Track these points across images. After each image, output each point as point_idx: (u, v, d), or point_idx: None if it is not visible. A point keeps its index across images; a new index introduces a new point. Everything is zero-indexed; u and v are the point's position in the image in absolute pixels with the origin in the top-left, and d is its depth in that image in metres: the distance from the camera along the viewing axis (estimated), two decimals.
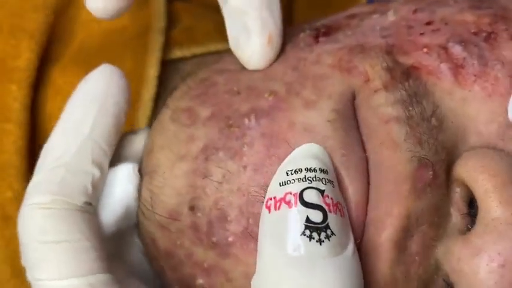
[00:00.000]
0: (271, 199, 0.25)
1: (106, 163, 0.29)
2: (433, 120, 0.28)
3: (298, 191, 0.24)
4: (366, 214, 0.27)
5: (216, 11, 0.33)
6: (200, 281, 0.29)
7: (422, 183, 0.27)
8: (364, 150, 0.27)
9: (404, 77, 0.28)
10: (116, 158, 0.31)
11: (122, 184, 0.30)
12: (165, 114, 0.31)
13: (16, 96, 0.35)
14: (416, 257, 0.27)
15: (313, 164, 0.25)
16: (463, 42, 0.29)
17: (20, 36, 0.36)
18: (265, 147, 0.28)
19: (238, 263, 0.28)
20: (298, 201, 0.24)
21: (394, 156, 0.27)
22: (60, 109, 0.34)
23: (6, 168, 0.34)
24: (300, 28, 0.33)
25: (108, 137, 0.29)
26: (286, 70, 0.29)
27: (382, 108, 0.28)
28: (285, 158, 0.27)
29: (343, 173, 0.26)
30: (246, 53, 0.30)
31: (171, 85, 0.36)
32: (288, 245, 0.24)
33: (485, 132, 0.28)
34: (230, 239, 0.28)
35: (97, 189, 0.29)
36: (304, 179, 0.25)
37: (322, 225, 0.24)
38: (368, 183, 0.27)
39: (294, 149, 0.27)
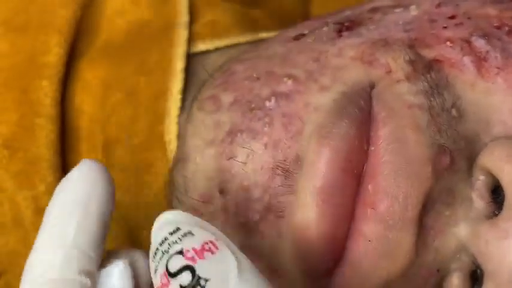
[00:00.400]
0: None
1: (95, 269, 0.26)
2: (453, 111, 0.29)
3: (164, 269, 0.24)
4: (358, 183, 0.28)
5: (235, 1, 0.34)
6: None
7: (441, 167, 0.28)
8: (368, 130, 0.28)
9: (426, 69, 0.29)
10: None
11: (117, 285, 0.27)
12: (194, 107, 0.32)
13: (47, 92, 0.35)
14: (432, 231, 0.28)
15: (162, 235, 0.24)
16: (486, 36, 0.30)
17: (49, 32, 0.36)
18: (283, 125, 0.29)
19: (264, 240, 0.29)
20: (168, 278, 0.23)
21: (417, 139, 0.28)
22: (87, 103, 0.37)
23: (39, 161, 0.34)
24: (323, 21, 0.33)
25: (94, 242, 0.26)
26: (308, 60, 0.30)
27: (405, 95, 0.28)
28: (300, 134, 0.28)
29: (324, 135, 0.27)
30: None
31: (195, 77, 0.37)
32: None
33: (510, 122, 0.29)
34: (256, 217, 0.29)
35: None
36: (162, 254, 0.24)
37: (193, 281, 0.23)
38: (365, 152, 0.28)
39: (304, 124, 0.28)
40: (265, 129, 0.29)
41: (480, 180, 0.29)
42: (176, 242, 0.24)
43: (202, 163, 0.30)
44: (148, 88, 0.36)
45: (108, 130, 0.36)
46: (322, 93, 0.29)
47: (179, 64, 0.37)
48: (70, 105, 0.36)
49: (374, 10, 0.33)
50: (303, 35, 0.33)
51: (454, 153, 0.28)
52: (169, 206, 0.33)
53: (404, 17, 0.32)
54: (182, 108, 0.35)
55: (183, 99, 0.36)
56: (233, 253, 0.23)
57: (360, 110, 0.28)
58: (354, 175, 0.28)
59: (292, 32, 0.34)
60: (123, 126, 0.35)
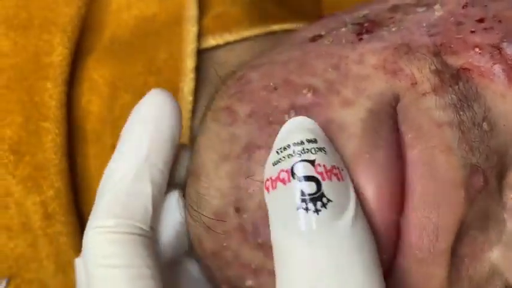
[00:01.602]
0: (268, 180, 0.25)
1: (164, 184, 0.30)
2: (485, 125, 0.27)
3: (289, 167, 0.25)
4: (400, 214, 0.26)
5: None
6: (249, 282, 0.28)
7: (474, 190, 0.26)
8: (401, 154, 0.27)
9: (454, 80, 0.27)
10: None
11: (172, 212, 0.30)
12: (208, 116, 0.31)
13: (52, 94, 0.34)
14: (466, 259, 0.27)
15: (299, 138, 0.25)
16: None
17: (52, 30, 0.35)
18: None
19: None
20: (290, 177, 0.24)
21: (448, 161, 0.26)
22: (95, 104, 0.36)
23: (46, 167, 0.34)
24: (340, 21, 0.32)
25: (164, 158, 0.29)
26: (327, 67, 0.28)
27: (433, 111, 0.27)
28: None
29: (363, 170, 0.26)
30: None
31: (206, 76, 0.36)
32: (289, 221, 0.24)
33: None
34: None
35: (157, 210, 0.29)
36: (293, 154, 0.25)
37: (317, 194, 0.24)
38: (402, 184, 0.26)
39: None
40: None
41: None
42: (311, 151, 0.25)
43: (216, 179, 0.29)
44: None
45: (117, 133, 0.33)
46: (346, 109, 0.27)
47: (189, 63, 0.36)
48: (76, 105, 0.36)
49: (394, 9, 0.31)
50: (320, 36, 0.31)
51: (487, 172, 0.26)
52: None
53: (428, 18, 0.30)
54: (194, 110, 0.35)
55: (195, 101, 0.35)
56: None
57: (392, 133, 0.27)
58: (397, 209, 0.26)
59: (308, 32, 0.32)
60: None
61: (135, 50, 0.36)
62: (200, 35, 0.37)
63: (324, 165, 0.25)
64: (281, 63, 0.30)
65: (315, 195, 0.24)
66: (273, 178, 0.25)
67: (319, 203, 0.24)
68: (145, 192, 0.29)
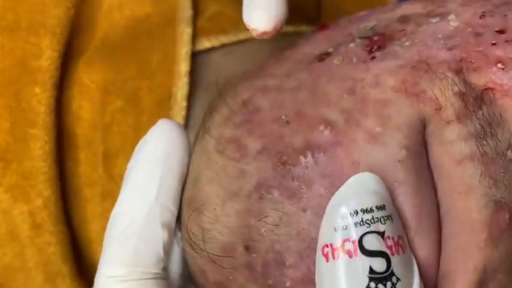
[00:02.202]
0: (327, 246, 0.24)
1: (174, 224, 0.29)
2: (509, 154, 0.26)
3: (357, 238, 0.23)
4: (438, 267, 0.25)
5: None
6: None
7: (498, 229, 0.25)
8: (435, 193, 0.26)
9: (478, 103, 0.26)
10: None
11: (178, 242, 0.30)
12: (209, 143, 0.29)
13: (40, 99, 0.33)
14: None
15: (370, 203, 0.24)
16: None
17: (40, 33, 0.34)
18: (327, 190, 0.26)
19: None
20: (358, 250, 0.23)
21: (467, 202, 0.25)
22: (86, 109, 0.34)
23: (34, 175, 0.33)
24: (347, 33, 0.30)
25: (174, 197, 0.28)
26: (342, 93, 0.27)
27: (454, 145, 0.25)
28: None
29: (415, 227, 0.25)
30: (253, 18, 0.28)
31: (201, 80, 0.35)
32: None
33: None
34: (288, 284, 0.26)
35: (168, 252, 0.29)
36: (362, 223, 0.23)
37: (387, 273, 0.23)
38: (440, 233, 0.26)
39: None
40: (303, 190, 0.26)
41: None
42: (380, 221, 0.23)
43: (223, 216, 0.27)
44: (150, 94, 0.34)
45: (109, 140, 0.34)
46: (374, 145, 0.25)
47: (183, 66, 0.34)
48: (66, 110, 0.34)
49: (405, 20, 0.29)
50: (328, 54, 0.29)
51: None
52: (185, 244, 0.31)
53: (443, 29, 0.28)
54: (188, 117, 0.34)
55: (188, 107, 0.34)
56: None
57: (427, 168, 0.26)
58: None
59: (313, 48, 0.30)
60: (126, 136, 0.34)
61: (128, 52, 0.35)
62: (195, 37, 0.35)
63: (392, 238, 0.23)
64: (291, 90, 0.28)
65: (384, 275, 0.23)
66: (334, 246, 0.23)
67: (389, 284, 0.23)
68: (157, 236, 0.28)
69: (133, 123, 0.34)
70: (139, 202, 0.28)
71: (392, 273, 0.22)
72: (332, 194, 0.25)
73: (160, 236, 0.28)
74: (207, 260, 0.28)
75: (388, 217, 0.23)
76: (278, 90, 0.28)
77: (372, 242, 0.23)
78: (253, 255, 0.26)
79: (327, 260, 0.23)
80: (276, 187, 0.26)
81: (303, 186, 0.26)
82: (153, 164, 0.28)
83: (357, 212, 0.23)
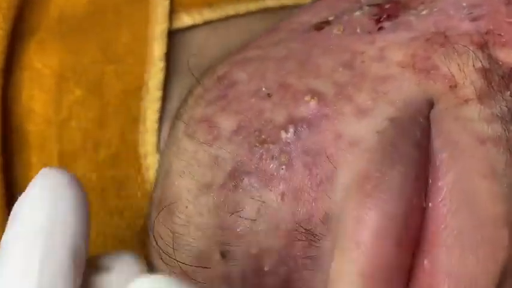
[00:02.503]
0: None
1: None
2: None
3: None
4: (414, 258, 0.24)
5: None
6: None
7: None
8: (427, 176, 0.24)
9: (505, 83, 0.24)
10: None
11: None
12: (179, 129, 0.28)
13: None
14: None
15: None
16: None
17: None
18: (307, 168, 0.25)
19: None
20: None
21: (490, 190, 0.23)
22: (38, 100, 0.31)
23: None
24: (354, 0, 0.28)
25: (65, 275, 0.22)
26: (336, 66, 0.26)
27: (475, 124, 0.24)
28: (330, 181, 0.24)
29: (368, 194, 0.23)
30: None
31: (179, 64, 0.32)
32: None
33: None
34: None
35: None
36: None
37: None
38: (421, 216, 0.23)
39: (335, 168, 0.24)
40: (282, 172, 0.25)
41: None
42: None
43: (196, 215, 0.26)
44: (116, 82, 0.31)
45: (66, 138, 0.31)
46: (361, 120, 0.24)
47: (158, 48, 0.31)
48: (15, 102, 0.31)
49: None
50: (328, 22, 0.27)
51: None
52: (148, 250, 0.29)
53: None
54: (162, 110, 0.31)
55: (164, 98, 0.31)
56: None
57: (417, 148, 0.24)
58: (410, 248, 0.23)
59: (312, 16, 0.28)
60: (87, 134, 0.31)
61: (89, 32, 0.32)
62: (172, 12, 0.32)
63: None
64: (277, 60, 0.27)
65: None
66: None
67: None
68: None
69: (95, 117, 0.31)
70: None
71: None
72: (312, 173, 0.24)
73: None
74: (178, 272, 0.26)
75: None
76: (261, 60, 0.27)
77: None
78: (231, 263, 0.25)
79: None
80: (253, 171, 0.25)
81: (282, 167, 0.25)
82: (31, 238, 0.21)
83: None
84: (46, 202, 0.22)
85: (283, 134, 0.25)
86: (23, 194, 0.22)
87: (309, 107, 0.25)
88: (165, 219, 0.27)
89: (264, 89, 0.26)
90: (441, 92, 0.25)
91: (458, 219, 0.23)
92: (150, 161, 0.30)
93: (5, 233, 0.22)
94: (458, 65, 0.25)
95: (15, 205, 0.22)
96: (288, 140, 0.25)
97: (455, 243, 0.23)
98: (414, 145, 0.24)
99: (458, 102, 0.24)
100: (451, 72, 0.25)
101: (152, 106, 0.31)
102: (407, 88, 0.25)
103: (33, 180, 0.22)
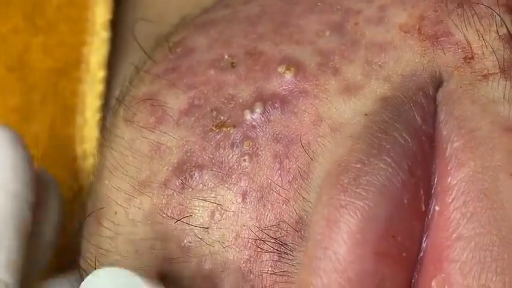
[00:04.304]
0: None
1: None
2: None
3: None
4: (419, 266, 0.21)
5: None
6: None
7: None
8: (427, 171, 0.21)
9: None
10: None
11: None
12: (118, 115, 0.24)
13: None
14: None
15: None
16: None
17: None
18: (276, 159, 0.22)
19: None
20: None
21: None
22: None
23: None
24: None
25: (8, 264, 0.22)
26: (323, 29, 0.23)
27: (498, 106, 0.21)
28: (305, 177, 0.22)
29: (344, 189, 0.20)
30: None
31: (128, 35, 0.28)
32: None
33: None
34: None
35: None
36: None
37: None
38: (423, 217, 0.21)
39: (312, 160, 0.22)
40: (244, 165, 0.22)
41: None
42: None
43: (126, 223, 0.23)
44: (45, 57, 0.28)
45: None
46: (348, 99, 0.22)
47: (100, 12, 0.28)
48: None
49: None
50: None
51: None
52: None
53: None
54: (107, 95, 0.28)
55: (109, 78, 0.28)
56: None
57: (415, 136, 0.21)
58: (403, 262, 0.21)
59: None
60: (7, 124, 0.26)
61: None
62: None
63: None
64: (246, 20, 0.24)
65: None
66: None
67: None
68: None
69: (17, 105, 0.28)
70: None
71: None
72: (285, 169, 0.22)
73: None
74: None
75: None
76: (227, 22, 0.24)
77: None
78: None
79: None
80: (206, 164, 0.22)
81: (244, 158, 0.22)
82: None
83: None
84: None
85: (247, 115, 0.22)
86: None
87: (284, 80, 0.22)
88: (91, 231, 0.24)
89: (227, 57, 0.23)
90: (453, 66, 0.22)
91: (476, 228, 0.20)
92: (91, 164, 0.27)
93: None
94: (478, 31, 0.22)
95: None
96: (254, 123, 0.22)
97: (473, 260, 0.20)
98: (411, 132, 0.21)
99: (475, 78, 0.22)
100: (467, 40, 0.22)
101: (93, 90, 0.28)
102: (408, 59, 0.22)
103: None
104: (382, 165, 0.21)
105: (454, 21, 0.22)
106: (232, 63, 0.23)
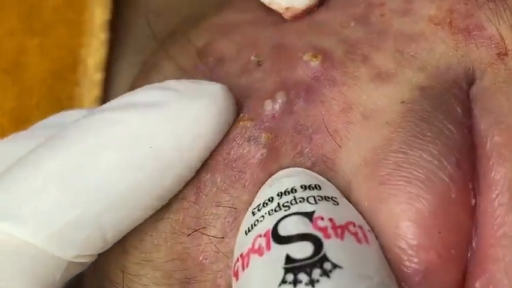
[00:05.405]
0: (238, 259, 0.20)
1: None
2: None
3: (271, 227, 0.19)
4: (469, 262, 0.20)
5: None
6: None
7: None
8: (473, 166, 0.20)
9: None
10: None
11: None
12: None
13: None
14: None
15: (289, 184, 0.20)
16: None
17: None
18: (300, 154, 0.21)
19: None
20: (271, 241, 0.19)
21: None
22: None
23: None
24: None
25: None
26: (347, 20, 0.22)
27: None
28: (329, 164, 0.21)
29: (389, 181, 0.19)
30: None
31: (130, 34, 0.28)
32: None
33: None
34: None
35: None
36: (278, 208, 0.20)
37: (314, 258, 0.19)
38: (469, 216, 0.19)
39: (340, 147, 0.20)
40: (261, 159, 0.21)
41: None
42: (309, 201, 0.20)
43: (154, 251, 0.22)
44: (42, 60, 0.27)
45: None
46: (380, 86, 0.21)
47: (99, 13, 0.27)
48: None
49: None
50: None
51: None
52: None
53: None
54: (106, 99, 0.27)
55: (107, 81, 0.27)
56: None
57: (458, 127, 0.20)
58: (450, 263, 0.19)
59: None
60: (1, 133, 0.27)
61: None
62: None
63: (330, 219, 0.19)
64: (271, 25, 0.23)
65: (310, 261, 0.19)
66: (244, 253, 0.19)
67: (316, 272, 0.19)
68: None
69: (14, 109, 0.27)
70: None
71: (325, 258, 0.19)
72: (305, 156, 0.21)
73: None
74: None
75: (326, 198, 0.20)
76: (251, 26, 0.24)
77: (290, 225, 0.19)
78: None
79: (237, 278, 0.19)
80: (219, 165, 0.21)
81: (262, 152, 0.21)
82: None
83: (272, 199, 0.20)
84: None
85: (268, 106, 0.21)
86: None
87: (309, 68, 0.21)
88: (117, 258, 0.22)
89: (253, 57, 0.22)
90: (486, 62, 0.21)
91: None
92: None
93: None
94: (511, 26, 0.21)
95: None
96: (275, 113, 0.21)
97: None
98: (455, 123, 0.20)
99: (509, 76, 0.21)
100: (500, 35, 0.21)
101: (91, 93, 0.27)
102: (442, 52, 0.21)
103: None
104: (427, 157, 0.19)
105: (485, 14, 0.21)
106: (259, 61, 0.22)
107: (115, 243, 0.21)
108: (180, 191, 0.21)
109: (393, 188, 0.19)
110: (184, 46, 0.24)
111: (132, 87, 0.23)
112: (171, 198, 0.21)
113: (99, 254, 0.21)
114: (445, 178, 0.19)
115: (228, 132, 0.21)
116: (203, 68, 0.23)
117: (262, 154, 0.20)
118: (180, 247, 0.21)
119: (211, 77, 0.23)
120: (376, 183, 0.19)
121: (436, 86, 0.21)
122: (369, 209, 0.20)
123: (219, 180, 0.21)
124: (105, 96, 0.27)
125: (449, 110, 0.20)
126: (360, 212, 0.20)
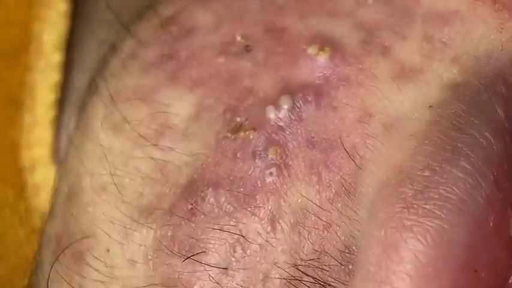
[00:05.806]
0: None
1: None
2: None
3: None
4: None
5: None
6: None
7: None
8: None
9: None
10: None
11: None
12: (95, 114, 0.21)
13: None
14: None
15: None
16: None
17: None
18: (312, 170, 0.19)
19: None
20: None
21: None
22: None
23: None
24: None
25: None
26: None
27: None
28: (348, 189, 0.19)
29: (412, 204, 0.17)
30: None
31: (93, 5, 0.26)
32: None
33: None
34: None
35: None
36: None
37: None
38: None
39: (360, 169, 0.19)
40: (271, 179, 0.19)
41: None
42: None
43: (125, 265, 0.20)
44: None
45: None
46: (403, 87, 0.19)
47: None
48: None
49: None
50: None
51: None
52: None
53: None
54: (65, 85, 0.24)
55: (68, 64, 0.24)
56: None
57: (498, 136, 0.18)
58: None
59: None
60: None
61: None
62: None
63: None
64: None
65: None
66: None
67: None
68: None
69: None
70: None
71: None
72: (322, 183, 0.19)
73: None
74: None
75: None
76: None
77: None
78: None
79: None
80: (222, 182, 0.19)
81: (271, 170, 0.19)
82: None
83: None
84: None
85: (271, 113, 0.19)
86: None
87: (316, 64, 0.20)
88: (68, 270, 0.20)
89: (239, 38, 0.20)
90: None
91: None
92: (41, 176, 0.23)
93: None
94: None
95: None
96: (281, 123, 0.19)
97: None
98: (494, 130, 0.18)
99: None
100: None
101: (46, 79, 0.24)
102: (481, 35, 0.19)
103: None
104: (459, 174, 0.18)
105: None
106: (247, 46, 0.20)
107: (67, 249, 0.20)
108: (165, 203, 0.19)
109: (420, 214, 0.17)
110: (148, 18, 0.22)
111: (102, 66, 0.22)
112: (147, 204, 0.20)
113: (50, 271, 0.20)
114: (481, 201, 0.18)
115: (225, 143, 0.19)
116: (165, 37, 0.21)
117: (271, 173, 0.19)
118: (167, 270, 0.19)
119: (173, 51, 0.21)
120: (400, 208, 0.17)
121: (473, 82, 0.19)
122: (387, 239, 0.17)
123: (223, 200, 0.19)
124: (66, 82, 0.24)
125: (488, 113, 0.18)
126: (377, 244, 0.18)
